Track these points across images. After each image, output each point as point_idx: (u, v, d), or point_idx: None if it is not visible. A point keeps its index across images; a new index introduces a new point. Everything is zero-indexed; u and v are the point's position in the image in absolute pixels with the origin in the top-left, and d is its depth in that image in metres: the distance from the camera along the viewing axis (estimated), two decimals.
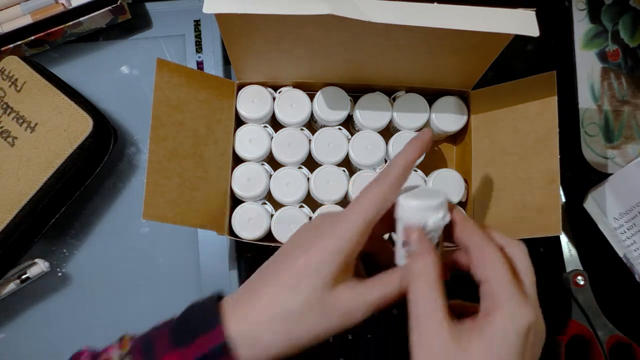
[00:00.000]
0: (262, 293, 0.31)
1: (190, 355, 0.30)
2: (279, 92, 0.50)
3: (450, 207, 0.33)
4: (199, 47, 0.56)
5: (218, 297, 0.33)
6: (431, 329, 0.29)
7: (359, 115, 0.49)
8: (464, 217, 0.33)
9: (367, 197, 0.32)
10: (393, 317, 0.52)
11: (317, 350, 0.50)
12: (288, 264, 0.31)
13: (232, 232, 0.48)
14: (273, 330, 0.30)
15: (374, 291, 0.31)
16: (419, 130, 0.50)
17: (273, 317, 0.30)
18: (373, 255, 0.37)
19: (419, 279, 0.30)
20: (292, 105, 0.49)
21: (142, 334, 0.32)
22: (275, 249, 0.47)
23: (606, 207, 0.53)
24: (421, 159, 0.49)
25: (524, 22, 0.36)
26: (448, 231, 0.34)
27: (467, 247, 0.32)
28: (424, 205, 0.31)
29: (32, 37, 0.51)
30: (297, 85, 0.50)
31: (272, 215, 0.48)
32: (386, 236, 0.38)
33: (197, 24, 0.56)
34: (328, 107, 0.49)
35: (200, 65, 0.56)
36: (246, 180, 0.48)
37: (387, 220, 0.34)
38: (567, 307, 0.53)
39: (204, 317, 0.31)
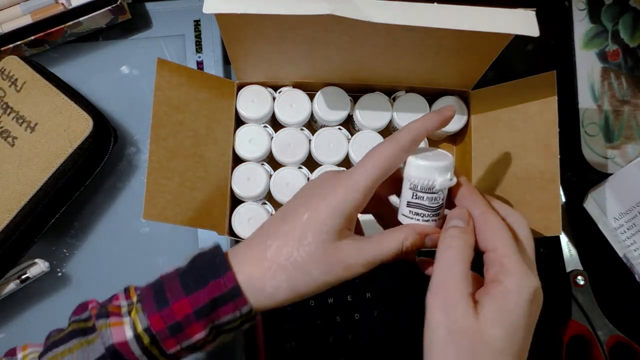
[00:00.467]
0: (268, 245, 0.32)
1: (202, 299, 0.31)
2: (279, 92, 0.50)
3: (457, 173, 0.34)
4: (199, 47, 0.56)
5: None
6: (456, 299, 0.30)
7: (359, 115, 0.49)
8: (469, 185, 0.34)
9: (372, 159, 0.33)
10: (393, 319, 0.52)
11: (318, 350, 0.51)
12: (293, 219, 0.32)
13: (232, 232, 0.48)
14: (278, 279, 0.32)
15: (375, 249, 0.33)
16: None
17: (278, 267, 0.32)
18: (375, 216, 0.39)
19: (456, 253, 0.31)
20: (292, 105, 0.49)
21: (150, 283, 0.34)
22: None
23: (606, 207, 0.53)
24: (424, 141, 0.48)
25: (524, 22, 0.36)
26: (450, 198, 0.35)
27: (472, 215, 0.33)
28: (432, 165, 0.33)
29: (32, 37, 0.51)
30: (297, 85, 0.50)
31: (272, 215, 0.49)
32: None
33: (197, 24, 0.56)
34: (328, 107, 0.49)
35: (200, 65, 0.56)
36: (246, 180, 0.48)
37: (392, 182, 0.35)
38: (567, 307, 0.53)
39: (213, 264, 0.33)
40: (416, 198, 0.33)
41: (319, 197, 0.33)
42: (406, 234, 0.33)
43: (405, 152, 0.33)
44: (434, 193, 0.33)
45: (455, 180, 0.34)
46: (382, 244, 0.33)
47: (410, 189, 0.33)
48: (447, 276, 0.30)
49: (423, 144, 0.49)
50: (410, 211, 0.34)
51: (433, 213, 0.34)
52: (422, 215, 0.34)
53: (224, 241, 0.54)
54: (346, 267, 0.32)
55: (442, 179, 0.33)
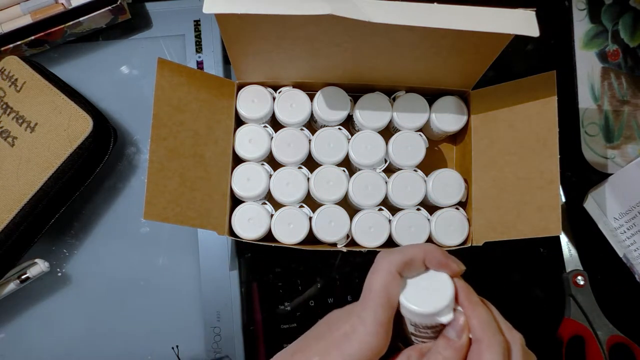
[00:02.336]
0: None
1: None
2: (279, 92, 0.50)
3: (462, 288, 0.31)
4: (199, 47, 0.56)
5: None
6: None
7: (359, 115, 0.49)
8: (473, 303, 0.31)
9: (373, 294, 0.30)
10: None
11: None
12: None
13: (232, 232, 0.48)
14: None
15: None
16: (419, 130, 0.50)
17: None
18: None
19: None
20: (292, 105, 0.49)
21: None
22: (275, 248, 0.47)
23: (606, 207, 0.53)
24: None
25: (524, 22, 0.36)
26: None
27: (472, 337, 0.30)
28: (427, 312, 0.30)
29: (32, 37, 0.51)
30: (297, 85, 0.50)
31: (272, 215, 0.49)
32: None
33: (197, 24, 0.56)
34: (328, 107, 0.49)
35: (200, 65, 0.56)
36: (246, 180, 0.48)
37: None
38: (567, 307, 0.53)
39: None
40: (419, 331, 0.32)
41: (334, 348, 0.30)
42: (408, 355, 0.31)
43: (400, 275, 0.31)
44: (436, 326, 0.31)
45: (451, 316, 0.30)
46: None
47: (412, 324, 0.32)
48: None
49: (423, 143, 0.49)
50: (414, 337, 0.32)
51: (439, 330, 0.32)
52: (426, 337, 0.32)
53: (224, 241, 0.54)
54: None
55: (445, 318, 0.30)
